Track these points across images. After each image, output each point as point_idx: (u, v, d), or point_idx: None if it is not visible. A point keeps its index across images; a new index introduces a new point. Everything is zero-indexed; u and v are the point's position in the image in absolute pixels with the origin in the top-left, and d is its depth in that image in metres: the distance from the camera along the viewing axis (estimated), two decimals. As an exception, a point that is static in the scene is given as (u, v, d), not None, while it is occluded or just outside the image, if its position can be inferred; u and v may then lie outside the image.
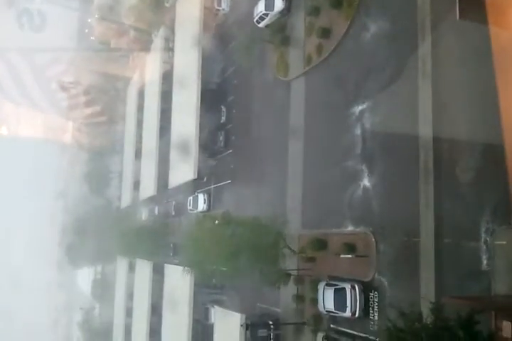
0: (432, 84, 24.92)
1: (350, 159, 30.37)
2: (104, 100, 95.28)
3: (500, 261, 21.21)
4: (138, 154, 75.25)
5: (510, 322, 19.56)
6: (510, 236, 21.05)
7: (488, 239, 21.61)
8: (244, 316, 38.46)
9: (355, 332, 28.64)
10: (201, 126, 50.85)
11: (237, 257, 32.20)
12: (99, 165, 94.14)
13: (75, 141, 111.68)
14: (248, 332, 37.03)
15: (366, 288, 27.86)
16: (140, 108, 76.15)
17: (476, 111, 22.81)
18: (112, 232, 69.63)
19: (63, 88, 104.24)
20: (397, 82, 27.37)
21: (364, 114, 29.85)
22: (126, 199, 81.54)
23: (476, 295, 21.84)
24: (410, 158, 25.59)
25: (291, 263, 32.46)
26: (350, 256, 28.56)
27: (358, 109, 30.29)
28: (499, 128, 20.75)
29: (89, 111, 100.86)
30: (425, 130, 25.16)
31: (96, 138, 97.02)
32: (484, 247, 21.69)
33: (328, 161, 32.71)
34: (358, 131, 30.20)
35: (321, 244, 31.31)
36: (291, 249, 31.97)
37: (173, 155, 58.04)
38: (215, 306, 44.43)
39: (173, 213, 58.95)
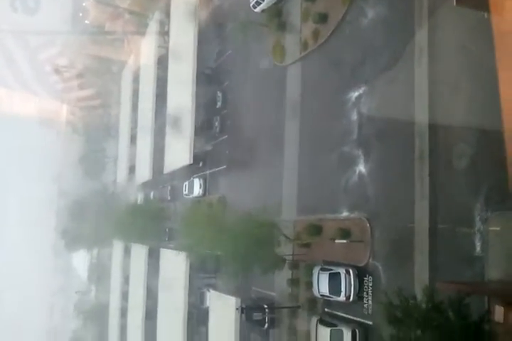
0: (428, 70, 24.95)
1: (346, 145, 30.46)
2: (99, 83, 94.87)
3: (494, 247, 21.45)
4: (133, 139, 75.14)
5: (502, 307, 19.85)
6: (503, 222, 21.27)
7: (482, 225, 21.84)
8: (239, 300, 38.83)
9: (349, 316, 29.00)
10: (197, 111, 50.79)
11: (232, 244, 32.44)
12: (94, 149, 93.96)
13: (70, 124, 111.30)
14: (243, 315, 37.49)
15: (361, 273, 28.16)
16: (135, 92, 75.90)
17: (473, 97, 22.88)
18: (108, 216, 69.72)
19: (57, 71, 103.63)
20: (393, 68, 27.36)
21: (360, 100, 29.89)
22: (121, 184, 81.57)
23: (469, 280, 22.12)
24: (406, 144, 25.68)
25: (286, 249, 32.71)
26: (345, 241, 28.81)
27: (355, 94, 30.31)
28: (497, 114, 20.82)
29: (83, 94, 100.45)
30: (421, 116, 25.23)
31: (90, 122, 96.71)
32: (478, 233, 21.92)
33: (324, 147, 32.78)
34: (355, 117, 30.26)
35: (316, 230, 31.53)
36: (286, 236, 32.21)
37: (169, 140, 58.03)
38: (211, 290, 44.78)
39: (169, 198, 59.08)
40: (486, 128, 22.05)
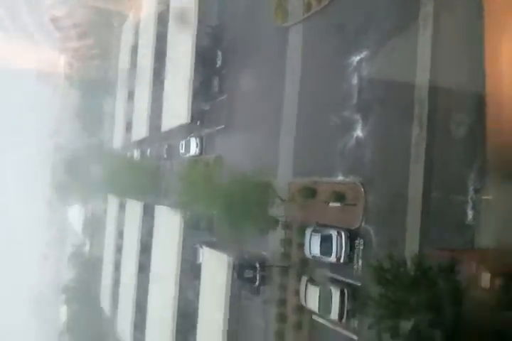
0: (432, 38, 24.84)
1: (345, 109, 30.53)
2: (98, 34, 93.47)
3: (485, 216, 21.90)
4: (131, 95, 74.64)
5: (488, 274, 20.45)
6: (496, 191, 21.66)
7: (474, 193, 22.22)
8: (231, 257, 39.67)
9: (338, 277, 29.74)
10: (196, 70, 50.42)
11: (227, 204, 32.93)
12: (91, 105, 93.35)
13: (67, 78, 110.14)
14: (235, 272, 38.38)
15: (352, 236, 28.72)
16: (134, 48, 74.95)
17: (474, 66, 22.88)
18: (104, 171, 70.04)
19: (56, 20, 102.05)
20: (397, 34, 27.20)
21: (362, 64, 29.78)
22: (118, 140, 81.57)
23: (459, 247, 22.67)
24: (405, 111, 25.80)
25: (280, 210, 33.22)
26: (338, 204, 29.30)
27: (356, 58, 30.17)
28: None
29: (81, 43, 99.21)
30: (422, 83, 25.25)
31: (88, 75, 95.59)
32: (470, 201, 22.32)
33: (323, 110, 32.84)
34: (355, 81, 30.22)
35: (310, 192, 31.95)
36: (280, 197, 32.66)
37: (167, 98, 57.79)
38: (204, 247, 45.53)
39: (165, 156, 59.28)
40: (480, 99, 22.15)
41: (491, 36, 21.19)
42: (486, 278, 20.32)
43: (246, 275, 36.78)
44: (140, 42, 71.92)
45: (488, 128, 21.53)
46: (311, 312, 31.20)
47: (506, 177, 21.28)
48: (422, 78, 25.24)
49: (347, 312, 27.98)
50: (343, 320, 28.23)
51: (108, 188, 71.17)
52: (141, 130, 67.70)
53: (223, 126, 46.56)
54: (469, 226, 22.25)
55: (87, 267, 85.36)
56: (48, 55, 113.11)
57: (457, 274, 19.99)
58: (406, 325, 20.13)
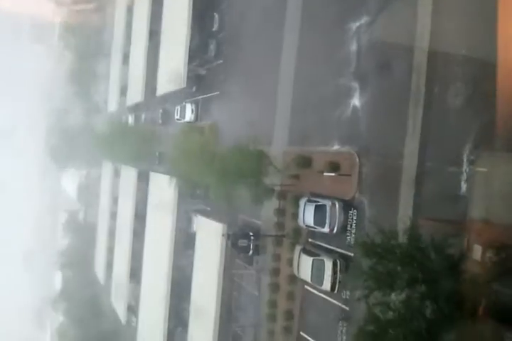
0: (433, 5, 23.97)
1: (342, 76, 29.79)
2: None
3: (479, 188, 21.59)
4: (126, 58, 73.33)
5: (480, 246, 20.28)
6: (491, 163, 21.28)
7: (469, 165, 21.83)
8: (225, 226, 39.55)
9: (331, 247, 29.64)
10: (192, 33, 49.26)
11: (222, 172, 32.59)
12: (86, 67, 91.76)
13: (61, 38, 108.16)
14: (229, 241, 38.30)
15: (346, 206, 28.45)
16: (130, 9, 73.24)
17: (474, 36, 22.15)
18: (98, 137, 69.31)
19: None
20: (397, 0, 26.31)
21: (361, 30, 28.90)
22: (112, 104, 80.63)
23: (452, 219, 22.41)
24: (403, 80, 25.18)
25: (274, 179, 32.88)
26: (333, 174, 28.87)
27: (356, 24, 29.26)
28: (495, 54, 20.24)
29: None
30: (420, 52, 24.55)
31: (83, 34, 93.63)
32: (465, 173, 21.96)
33: (320, 77, 32.09)
34: (354, 48, 29.40)
35: (305, 161, 31.52)
36: (274, 165, 32.23)
37: (162, 62, 56.71)
38: (198, 215, 45.42)
39: (160, 121, 58.56)
40: (485, 68, 21.51)
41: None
42: (477, 251, 20.19)
43: (240, 244, 36.72)
44: (136, 2, 70.20)
45: (499, 97, 20.88)
46: (304, 282, 31.22)
47: (500, 148, 20.89)
48: (421, 45, 24.50)
49: (339, 282, 27.97)
50: (335, 290, 28.26)
51: (102, 154, 70.66)
52: (135, 94, 66.76)
53: (219, 92, 45.75)
54: (462, 198, 22.00)
55: (82, 233, 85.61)
56: (43, 7, 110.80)
57: (449, 246, 19.75)
58: (397, 298, 20.02)
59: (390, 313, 19.62)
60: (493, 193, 21.00)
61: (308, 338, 31.30)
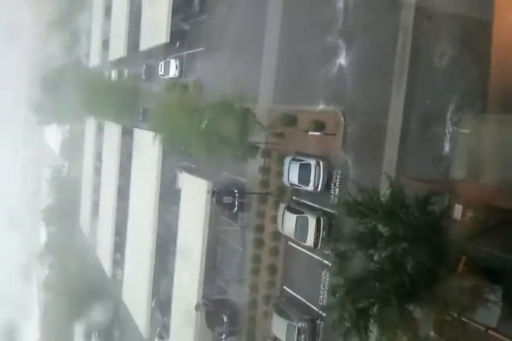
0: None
1: (329, 34, 29.48)
2: None
3: (461, 149, 21.89)
4: (108, 11, 71.48)
5: (461, 205, 20.73)
6: (474, 125, 21.51)
7: (452, 126, 22.08)
8: (210, 183, 39.78)
9: (315, 205, 30.12)
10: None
11: (207, 129, 32.52)
12: (67, 20, 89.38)
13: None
14: (214, 198, 38.66)
15: (330, 165, 28.77)
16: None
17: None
18: (81, 91, 68.29)
19: None
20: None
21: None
22: (94, 59, 79.11)
23: (434, 179, 22.82)
24: (389, 38, 25.00)
25: (259, 137, 32.96)
26: (318, 133, 29.03)
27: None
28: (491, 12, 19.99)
29: None
30: (408, 9, 24.29)
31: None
32: (448, 134, 22.23)
33: (307, 35, 31.75)
34: (341, 5, 29.01)
35: (290, 120, 31.57)
36: (260, 123, 32.23)
37: (145, 16, 55.46)
38: (183, 172, 45.54)
39: (144, 77, 57.80)
40: (473, 28, 21.42)
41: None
42: (457, 210, 20.61)
43: (225, 201, 37.08)
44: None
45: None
46: (287, 239, 31.84)
47: (484, 110, 21.09)
48: (409, 1, 24.21)
49: (322, 239, 28.52)
50: (318, 246, 28.84)
51: (85, 109, 69.80)
52: (118, 49, 65.50)
53: (203, 48, 45.10)
54: (445, 158, 22.34)
55: (66, 188, 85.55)
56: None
57: (431, 204, 20.18)
58: (379, 255, 20.46)
59: (372, 265, 20.06)
60: (475, 154, 21.32)
61: (291, 292, 32.20)
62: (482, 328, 19.46)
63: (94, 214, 71.44)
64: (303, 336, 29.96)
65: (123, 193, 60.93)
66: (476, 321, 19.41)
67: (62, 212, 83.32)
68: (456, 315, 18.52)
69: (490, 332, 19.42)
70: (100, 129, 71.42)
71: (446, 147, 22.32)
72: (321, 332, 29.68)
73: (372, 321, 19.42)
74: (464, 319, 19.07)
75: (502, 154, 20.00)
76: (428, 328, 18.49)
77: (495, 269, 18.58)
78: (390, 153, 24.77)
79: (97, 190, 71.29)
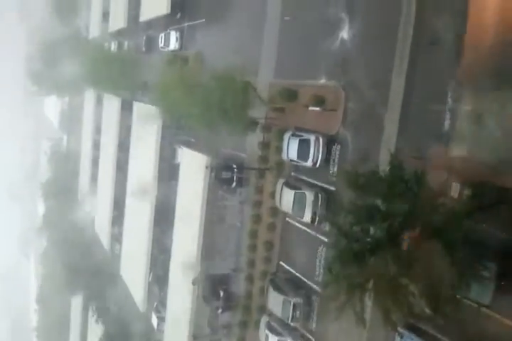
0: None
1: (332, 6, 28.88)
2: None
3: (461, 126, 21.66)
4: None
5: (458, 184, 20.59)
6: (475, 102, 21.23)
7: (454, 103, 21.75)
8: (209, 158, 39.56)
9: (313, 181, 29.94)
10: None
11: (206, 102, 32.13)
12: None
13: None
14: (213, 173, 38.49)
15: (330, 141, 28.52)
16: None
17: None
18: (80, 62, 67.39)
19: None
20: None
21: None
22: (94, 30, 78.08)
23: (433, 156, 22.58)
24: (393, 14, 24.48)
25: (259, 112, 32.60)
26: (318, 108, 28.66)
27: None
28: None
29: None
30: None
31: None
32: (449, 111, 21.93)
33: (309, 8, 31.09)
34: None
35: (291, 95, 31.15)
36: (260, 97, 31.83)
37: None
38: (182, 147, 45.23)
39: (144, 49, 57.03)
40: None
41: None
42: (455, 188, 20.49)
43: (223, 176, 36.94)
44: None
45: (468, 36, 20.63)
46: (285, 215, 31.77)
47: (486, 88, 20.77)
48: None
49: (319, 215, 28.42)
50: (315, 222, 28.78)
51: (85, 81, 69.03)
52: (118, 20, 64.58)
53: (204, 19, 44.36)
54: (445, 136, 22.11)
55: (65, 162, 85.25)
56: None
57: (429, 182, 20.01)
58: (376, 229, 20.35)
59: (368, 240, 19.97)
60: (474, 131, 21.09)
61: (288, 268, 32.26)
62: (475, 305, 19.51)
63: (93, 188, 71.38)
64: (298, 311, 30.14)
65: (122, 167, 60.70)
66: (470, 298, 19.44)
67: (61, 185, 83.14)
68: (449, 291, 18.52)
69: (483, 309, 19.48)
70: (99, 102, 70.82)
71: (447, 124, 22.03)
72: (316, 308, 29.81)
73: (367, 296, 19.44)
74: (457, 296, 19.08)
75: (501, 131, 19.79)
76: (422, 304, 18.45)
77: (490, 247, 18.50)
78: (390, 129, 24.49)
79: (95, 163, 71.02)
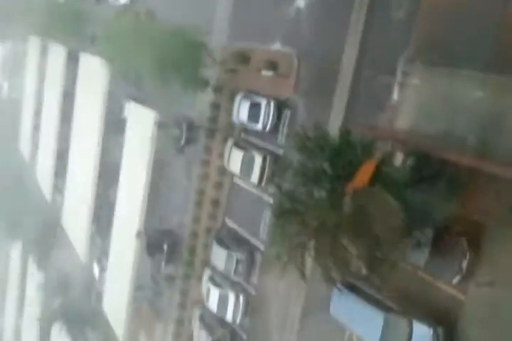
0: None
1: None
2: None
3: (409, 99, 22.87)
4: None
5: (402, 153, 21.92)
6: (423, 76, 22.38)
7: (403, 76, 22.84)
8: (158, 115, 39.68)
9: (262, 144, 30.86)
10: None
11: (157, 58, 31.97)
12: None
13: None
14: (161, 131, 38.75)
15: (281, 106, 29.29)
16: None
17: None
18: (27, 9, 64.44)
19: None
20: None
21: None
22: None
23: (380, 126, 23.83)
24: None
25: (211, 72, 32.88)
26: (271, 73, 29.30)
27: None
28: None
29: None
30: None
31: None
32: (398, 84, 22.99)
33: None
34: None
35: (244, 58, 31.53)
36: (212, 57, 32.02)
37: None
38: (131, 101, 44.85)
39: (94, 0, 55.23)
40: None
41: None
42: (399, 157, 21.77)
43: (172, 134, 37.21)
44: None
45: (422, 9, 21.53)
46: (233, 175, 32.69)
47: (434, 62, 21.92)
48: None
49: (266, 177, 29.49)
50: (262, 184, 29.86)
51: (30, 27, 66.16)
52: (65, -34, 61.83)
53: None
54: (393, 108, 23.19)
55: (5, 109, 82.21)
56: None
57: (375, 151, 21.23)
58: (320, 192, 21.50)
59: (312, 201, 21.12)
60: (421, 105, 22.36)
61: (233, 226, 33.49)
62: (410, 268, 21.25)
63: (35, 138, 69.71)
64: (241, 266, 31.55)
65: (66, 118, 59.48)
66: (406, 261, 21.13)
67: (1, 133, 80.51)
68: (386, 253, 20.05)
69: (418, 271, 21.26)
70: (44, 50, 68.25)
71: (395, 96, 23.12)
72: (259, 264, 31.31)
73: (307, 255, 20.71)
74: (394, 258, 20.70)
75: (447, 106, 21.10)
76: (360, 264, 19.89)
77: (428, 214, 20.03)
78: (341, 98, 25.52)
79: (38, 113, 69.11)
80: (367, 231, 19.90)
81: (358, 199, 19.73)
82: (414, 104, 22.62)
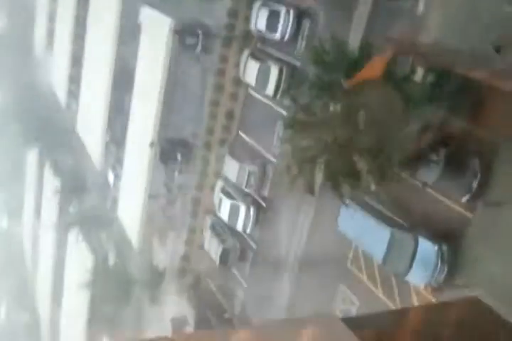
0: None
1: None
2: None
3: (435, 10, 21.74)
4: None
5: (423, 69, 21.20)
6: None
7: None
8: (174, 21, 38.40)
9: (280, 55, 29.94)
10: None
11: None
12: None
13: None
14: (176, 37, 37.63)
15: (301, 15, 28.07)
16: None
17: None
18: None
19: None
20: None
21: None
22: None
23: (402, 39, 22.84)
24: None
25: None
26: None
27: None
28: None
29: None
30: None
31: None
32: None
33: None
34: None
35: None
36: None
37: None
38: (146, 6, 43.23)
39: None
40: None
41: None
42: (419, 73, 21.11)
43: (187, 42, 36.16)
44: None
45: None
46: (248, 86, 32.06)
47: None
48: None
49: (282, 90, 28.87)
50: (277, 96, 29.28)
51: None
52: None
53: None
54: (417, 19, 22.14)
55: (18, 12, 79.94)
56: None
57: (395, 64, 20.57)
58: (336, 105, 21.07)
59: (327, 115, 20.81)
60: (447, 18, 21.26)
61: (246, 138, 33.36)
62: (419, 185, 21.24)
63: (50, 42, 68.19)
64: (253, 178, 31.81)
65: (80, 22, 57.83)
66: (416, 178, 21.09)
67: (15, 36, 78.79)
68: (396, 168, 20.01)
69: (426, 188, 21.25)
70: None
71: (421, 7, 22.01)
72: (270, 177, 31.52)
73: (318, 169, 20.69)
74: (403, 175, 20.67)
75: (475, 21, 20.04)
76: (369, 179, 19.90)
77: (444, 132, 19.70)
78: (363, 9, 24.31)
79: (52, 17, 67.05)
80: (378, 144, 19.74)
81: (359, 93, 19.38)
82: (440, 16, 21.51)
